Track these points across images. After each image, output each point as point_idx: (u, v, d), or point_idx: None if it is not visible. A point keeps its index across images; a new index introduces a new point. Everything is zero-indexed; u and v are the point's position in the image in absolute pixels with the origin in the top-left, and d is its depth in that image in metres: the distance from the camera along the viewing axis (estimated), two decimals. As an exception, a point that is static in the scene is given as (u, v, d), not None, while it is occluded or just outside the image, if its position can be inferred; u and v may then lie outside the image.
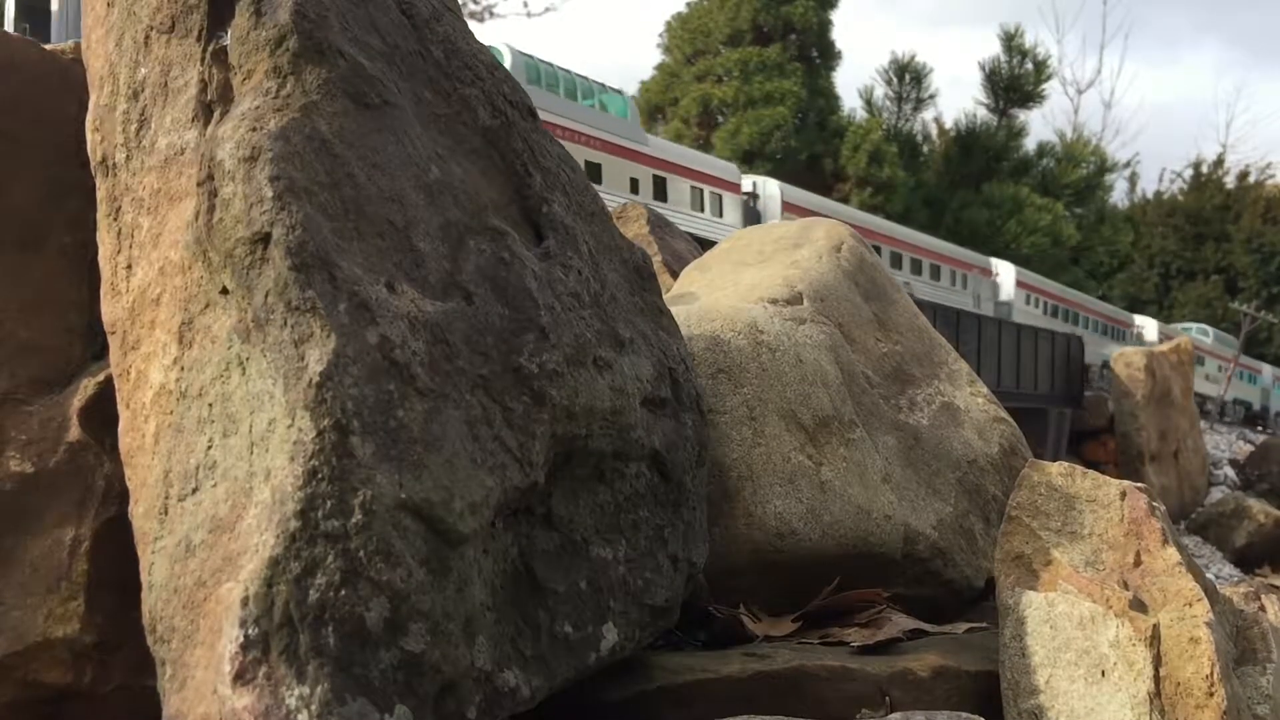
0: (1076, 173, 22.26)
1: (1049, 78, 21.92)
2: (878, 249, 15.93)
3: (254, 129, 1.18)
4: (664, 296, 1.73)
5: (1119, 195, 28.86)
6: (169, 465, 1.19)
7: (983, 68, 21.61)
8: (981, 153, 21.28)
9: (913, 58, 20.95)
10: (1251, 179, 28.77)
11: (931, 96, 21.33)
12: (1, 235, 1.57)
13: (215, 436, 1.15)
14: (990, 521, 2.19)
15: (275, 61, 1.24)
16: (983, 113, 21.89)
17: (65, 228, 1.60)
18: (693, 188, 12.74)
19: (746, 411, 1.89)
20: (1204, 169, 29.44)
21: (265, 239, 1.12)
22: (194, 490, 1.15)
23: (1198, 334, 22.12)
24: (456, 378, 1.20)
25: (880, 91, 21.04)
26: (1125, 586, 1.54)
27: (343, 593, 1.00)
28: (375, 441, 1.07)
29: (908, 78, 20.97)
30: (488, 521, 1.19)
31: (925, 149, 21.70)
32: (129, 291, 1.34)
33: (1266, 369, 24.97)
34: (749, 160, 17.69)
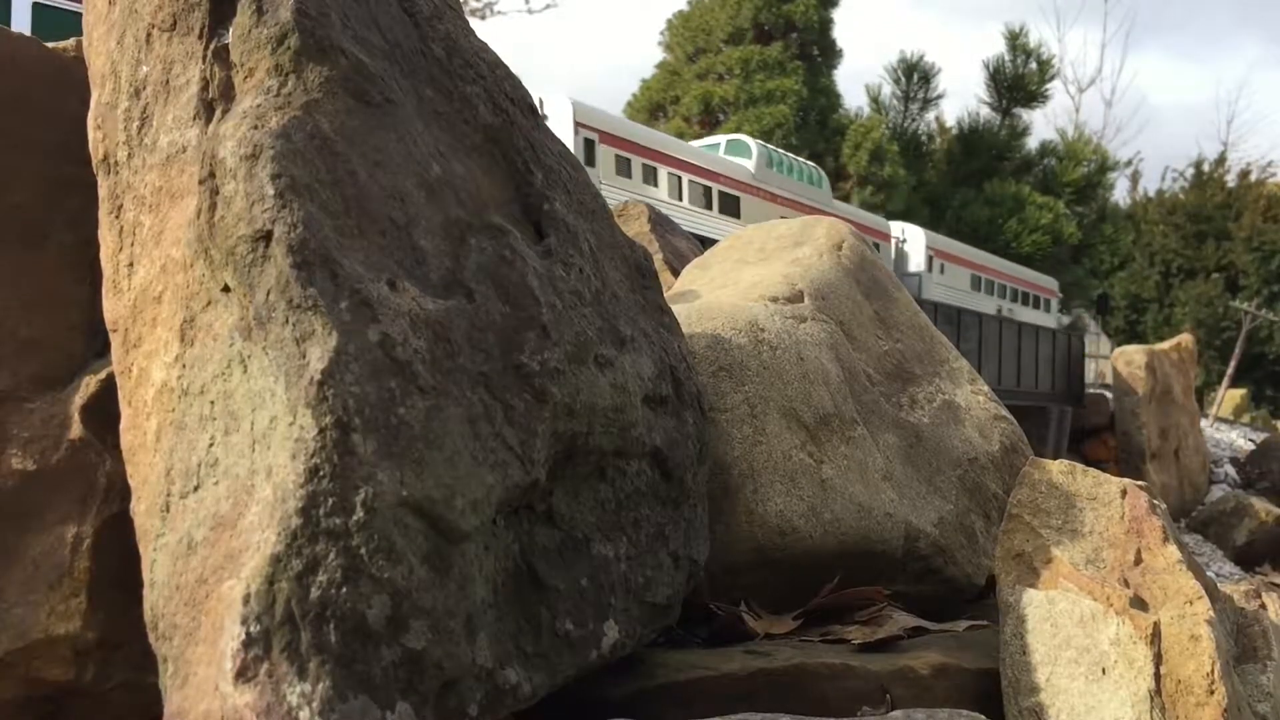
0: (1077, 171, 22.21)
1: (1053, 77, 21.86)
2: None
3: (255, 127, 1.18)
4: (665, 294, 1.74)
5: (1120, 194, 28.82)
6: (171, 462, 1.19)
7: (986, 66, 21.53)
8: (984, 151, 21.24)
9: (921, 57, 20.89)
10: (1253, 177, 28.71)
11: (939, 96, 21.28)
12: (3, 233, 1.57)
13: (217, 434, 1.15)
14: (991, 519, 2.19)
15: (277, 59, 1.24)
16: (985, 111, 21.86)
17: (67, 225, 1.60)
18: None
19: (748, 409, 1.89)
20: (1205, 167, 29.41)
21: (267, 237, 1.12)
22: (196, 487, 1.15)
23: (730, 153, 12.94)
24: (458, 375, 1.20)
25: (888, 90, 21.01)
26: (1126, 584, 1.54)
27: (344, 590, 1.01)
28: (377, 439, 1.07)
29: (916, 77, 20.93)
30: (489, 519, 1.19)
31: (928, 147, 21.67)
32: (131, 289, 1.34)
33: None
34: (749, 159, 17.67)
